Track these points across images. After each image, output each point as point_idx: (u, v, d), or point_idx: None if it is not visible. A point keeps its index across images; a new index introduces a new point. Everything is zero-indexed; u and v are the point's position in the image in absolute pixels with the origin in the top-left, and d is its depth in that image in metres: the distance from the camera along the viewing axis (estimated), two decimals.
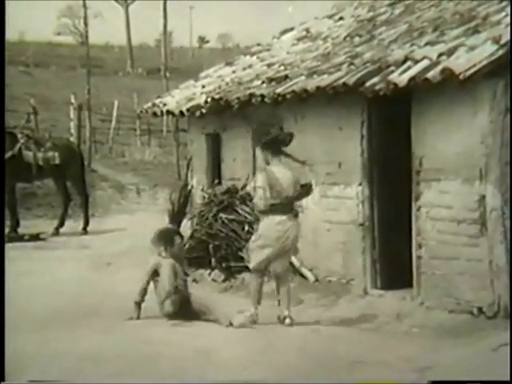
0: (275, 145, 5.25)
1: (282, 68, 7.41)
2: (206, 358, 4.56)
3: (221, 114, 7.64)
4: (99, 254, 8.43)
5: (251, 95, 6.87)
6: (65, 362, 4.44)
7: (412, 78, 5.32)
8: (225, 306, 5.64)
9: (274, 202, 5.17)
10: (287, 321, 5.20)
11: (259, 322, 5.32)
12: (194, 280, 7.26)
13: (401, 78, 5.42)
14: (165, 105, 8.42)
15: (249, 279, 6.79)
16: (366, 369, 4.36)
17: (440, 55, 5.41)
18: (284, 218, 5.19)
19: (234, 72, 8.30)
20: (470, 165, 5.28)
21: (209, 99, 7.54)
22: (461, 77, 4.99)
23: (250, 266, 5.35)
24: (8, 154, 9.90)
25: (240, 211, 7.23)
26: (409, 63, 5.60)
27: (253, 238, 5.35)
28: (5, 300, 4.23)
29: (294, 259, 6.90)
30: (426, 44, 5.87)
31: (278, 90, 6.56)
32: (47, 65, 33.46)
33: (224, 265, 7.08)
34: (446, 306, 5.34)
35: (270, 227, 5.18)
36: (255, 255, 5.26)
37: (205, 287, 6.92)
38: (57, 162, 10.31)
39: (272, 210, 5.18)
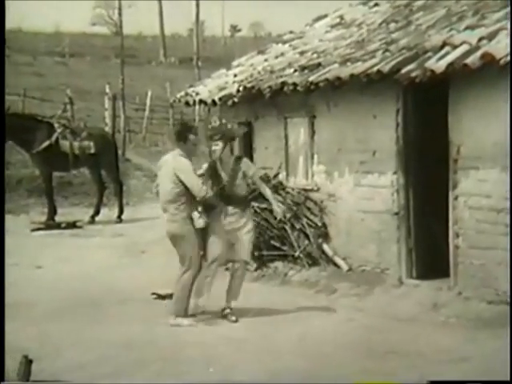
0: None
1: (314, 56, 7.31)
2: (238, 345, 4.59)
3: (253, 102, 7.60)
4: (134, 242, 8.55)
5: (283, 83, 6.80)
6: (99, 348, 4.53)
7: (450, 64, 5.17)
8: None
9: None
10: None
11: (293, 311, 5.32)
12: (227, 268, 7.28)
13: (438, 64, 5.28)
14: (197, 94, 8.42)
15: (280, 268, 6.83)
16: (400, 359, 4.31)
17: (480, 40, 5.25)
18: None
19: (266, 60, 8.24)
20: (508, 153, 5.12)
21: (241, 88, 7.50)
22: (501, 62, 4.83)
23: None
24: (45, 144, 10.09)
25: None
26: (447, 49, 5.44)
27: None
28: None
29: (326, 248, 6.88)
30: (466, 28, 5.69)
31: (311, 78, 6.48)
32: (82, 55, 33.92)
33: (256, 253, 7.07)
34: (483, 297, 5.22)
35: None
36: None
37: None
38: (92, 151, 10.45)
39: None
